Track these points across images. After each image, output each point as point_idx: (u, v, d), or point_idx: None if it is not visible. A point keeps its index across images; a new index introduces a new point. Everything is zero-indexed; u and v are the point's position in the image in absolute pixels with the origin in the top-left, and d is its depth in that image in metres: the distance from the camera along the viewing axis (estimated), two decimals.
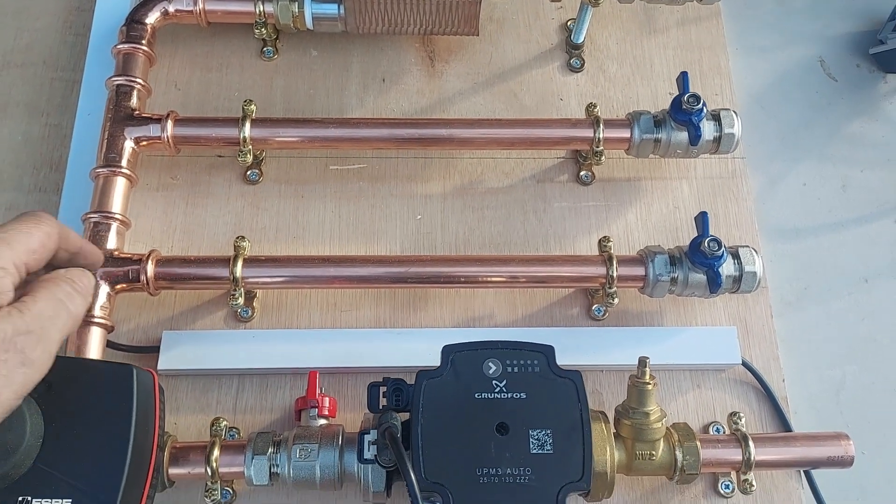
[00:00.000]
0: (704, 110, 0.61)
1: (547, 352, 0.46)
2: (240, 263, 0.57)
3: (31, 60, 0.68)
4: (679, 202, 0.67)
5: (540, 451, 0.43)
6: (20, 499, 0.39)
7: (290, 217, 0.64)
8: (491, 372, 0.45)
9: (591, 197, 0.66)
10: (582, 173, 0.67)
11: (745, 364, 0.61)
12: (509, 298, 0.63)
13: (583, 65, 0.71)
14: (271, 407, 0.58)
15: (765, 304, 0.63)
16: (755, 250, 0.58)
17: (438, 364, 0.47)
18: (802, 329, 0.65)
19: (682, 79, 0.62)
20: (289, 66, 0.69)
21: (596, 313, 0.62)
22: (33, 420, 0.40)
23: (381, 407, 0.47)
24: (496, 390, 0.45)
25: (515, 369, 0.45)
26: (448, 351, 0.46)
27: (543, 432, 0.44)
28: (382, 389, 0.47)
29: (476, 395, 0.44)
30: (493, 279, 0.59)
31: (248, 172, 0.65)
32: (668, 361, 0.60)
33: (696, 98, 0.60)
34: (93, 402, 0.41)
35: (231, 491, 0.54)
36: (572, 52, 0.71)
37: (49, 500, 0.39)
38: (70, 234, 0.42)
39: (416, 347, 0.59)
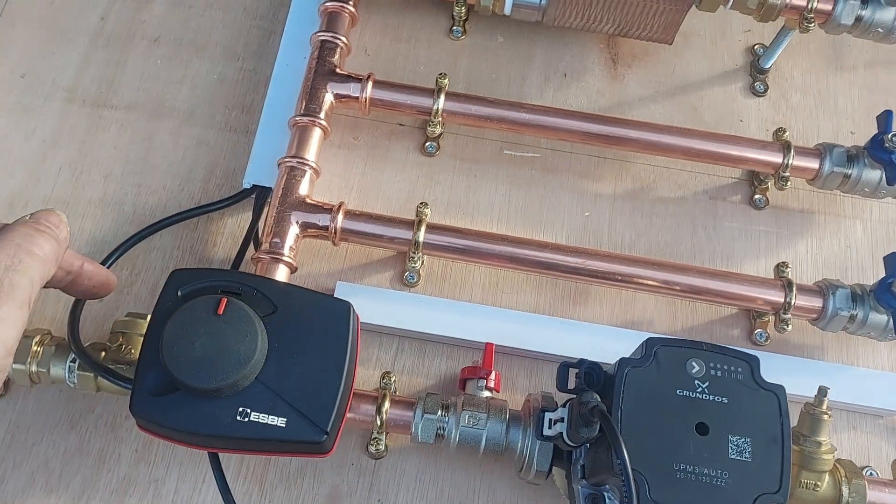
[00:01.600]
0: None
1: (752, 361, 0.46)
2: (423, 228, 0.58)
3: (233, 6, 0.70)
4: (851, 242, 0.65)
5: (738, 458, 0.43)
6: (241, 409, 0.40)
7: (461, 193, 0.65)
8: (694, 371, 0.45)
9: (762, 222, 0.66)
10: (756, 197, 0.66)
11: None
12: (670, 308, 0.62)
13: (766, 90, 0.70)
14: (427, 372, 0.59)
15: None
16: None
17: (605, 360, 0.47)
18: None
19: (887, 117, 0.61)
20: (474, 48, 0.70)
21: (758, 338, 0.61)
22: (262, 336, 0.41)
23: (569, 387, 0.47)
24: (698, 390, 0.44)
25: (719, 373, 0.45)
26: (652, 343, 0.46)
27: (743, 440, 0.43)
28: (573, 371, 0.47)
29: (678, 392, 0.44)
30: (663, 284, 0.58)
31: (427, 144, 0.66)
32: (828, 398, 0.59)
33: None
34: (313, 330, 0.42)
35: (386, 446, 0.55)
36: (757, 76, 0.70)
37: (266, 416, 0.40)
38: (70, 254, 0.42)
39: (575, 339, 0.59)
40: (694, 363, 0.45)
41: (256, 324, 0.41)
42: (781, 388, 0.45)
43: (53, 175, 0.63)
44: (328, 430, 0.40)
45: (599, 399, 0.43)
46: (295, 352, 0.42)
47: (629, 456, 0.41)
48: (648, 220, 0.65)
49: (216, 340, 0.39)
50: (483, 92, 0.69)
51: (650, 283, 0.59)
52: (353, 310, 0.45)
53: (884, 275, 0.58)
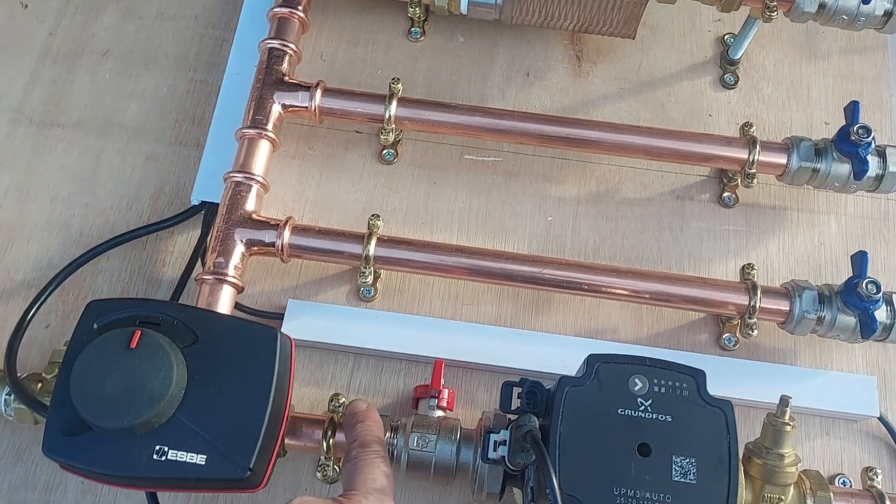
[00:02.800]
0: (873, 144, 0.57)
1: (698, 376, 0.44)
2: (373, 242, 0.56)
3: (184, 14, 0.69)
4: (825, 238, 0.63)
5: (682, 480, 0.41)
6: (157, 448, 0.39)
7: (420, 202, 0.63)
8: (637, 389, 0.43)
9: (731, 220, 0.63)
10: (725, 195, 0.64)
11: (881, 418, 0.57)
12: (635, 314, 0.60)
13: (737, 82, 0.68)
14: (385, 390, 0.57)
15: None
16: None
17: (567, 372, 0.45)
18: None
19: (853, 109, 0.58)
20: (434, 49, 0.68)
21: (726, 343, 0.59)
22: (179, 370, 0.40)
23: (512, 408, 0.46)
24: (640, 409, 0.43)
25: (663, 390, 0.43)
26: (594, 360, 0.44)
27: (687, 460, 0.41)
28: (517, 390, 0.45)
29: (619, 411, 0.42)
30: (628, 291, 0.57)
31: (384, 152, 0.64)
32: (798, 404, 0.57)
33: (867, 130, 0.57)
34: (236, 360, 0.41)
35: (338, 469, 0.54)
36: (727, 68, 0.68)
37: (185, 454, 0.39)
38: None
39: (536, 351, 0.58)
40: (637, 380, 0.43)
41: (173, 356, 0.39)
42: (728, 403, 0.43)
43: None
44: (251, 466, 0.39)
45: (538, 421, 0.42)
46: (217, 384, 0.40)
47: (567, 479, 0.40)
48: (613, 224, 0.63)
49: (128, 376, 0.38)
50: (443, 94, 0.67)
51: (613, 290, 0.57)
52: (283, 336, 0.43)
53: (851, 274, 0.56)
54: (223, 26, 0.68)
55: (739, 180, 0.62)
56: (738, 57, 0.67)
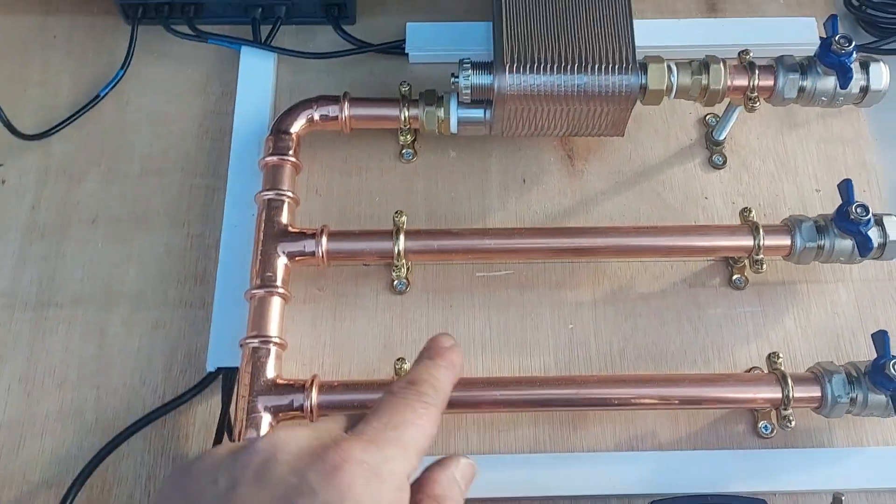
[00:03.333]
0: (872, 222, 0.59)
1: None
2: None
3: (169, 167, 0.67)
4: (838, 308, 0.64)
5: None
6: None
7: (439, 329, 0.63)
8: None
9: (745, 302, 0.64)
10: (735, 277, 0.65)
11: None
12: (671, 415, 0.60)
13: (725, 161, 0.69)
14: None
15: None
16: None
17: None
18: None
19: (846, 187, 0.60)
20: (428, 168, 0.68)
21: (763, 431, 0.59)
22: None
23: None
24: None
25: None
26: None
27: None
28: None
29: None
30: (664, 400, 0.57)
31: (395, 282, 0.63)
32: (845, 486, 0.57)
33: (865, 209, 0.58)
34: None
35: None
36: (714, 149, 0.69)
37: None
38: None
39: (577, 473, 0.57)
40: None
41: None
42: None
43: (2, 394, 0.59)
44: None
45: None
46: None
47: None
48: (633, 322, 0.63)
49: None
50: (445, 212, 0.67)
51: (647, 401, 0.57)
52: None
53: (874, 352, 0.57)
54: (212, 174, 0.67)
55: (748, 264, 0.63)
56: (722, 138, 0.69)
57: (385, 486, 0.35)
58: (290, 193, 0.61)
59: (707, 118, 0.70)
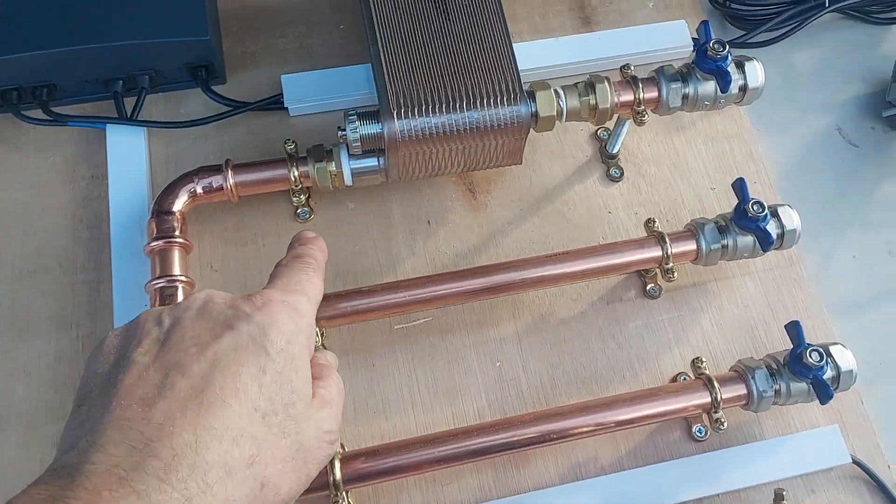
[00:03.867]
0: (769, 216, 0.61)
1: None
2: (337, 467, 0.53)
3: (46, 266, 0.62)
4: (748, 300, 0.66)
5: None
6: None
7: (365, 391, 0.60)
8: None
9: (662, 310, 0.65)
10: (649, 287, 0.65)
11: (854, 461, 0.60)
12: (609, 436, 0.60)
13: (622, 173, 0.70)
14: None
15: (854, 392, 0.63)
16: (844, 346, 0.58)
17: None
18: (890, 406, 0.65)
19: (741, 186, 0.62)
20: (328, 223, 0.66)
21: (698, 434, 0.60)
22: None
23: None
24: None
25: None
26: None
27: None
28: None
29: None
30: (601, 426, 0.57)
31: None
32: (782, 475, 0.59)
33: (761, 205, 0.60)
34: None
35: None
36: (609, 162, 0.70)
37: None
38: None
39: None
40: None
41: None
42: None
43: None
44: None
45: None
46: None
47: None
48: (559, 349, 0.63)
49: None
50: (352, 266, 0.64)
51: (584, 430, 0.56)
52: None
53: (789, 341, 0.58)
54: (94, 267, 0.62)
55: (660, 273, 0.64)
56: (616, 151, 0.69)
57: (302, 320, 0.44)
58: (182, 278, 0.57)
59: (599, 132, 0.71)
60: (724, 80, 0.60)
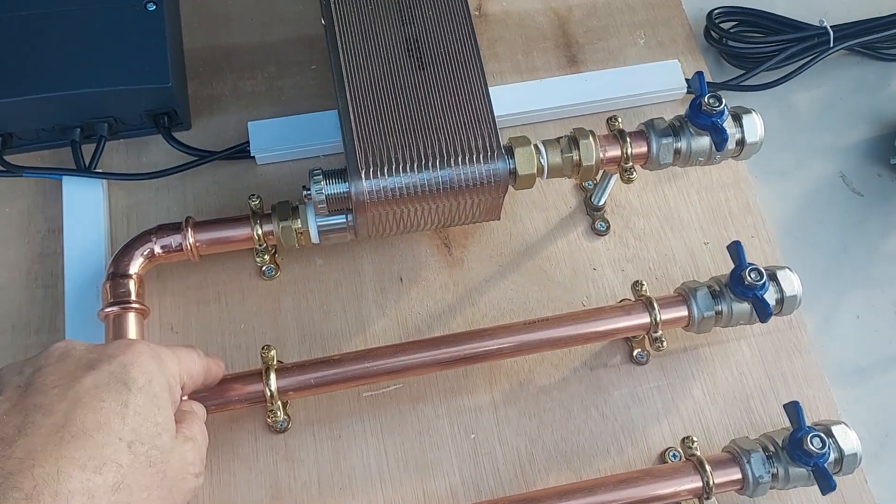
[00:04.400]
0: (768, 284, 0.56)
1: None
2: None
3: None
4: (743, 367, 0.62)
5: None
6: None
7: (330, 464, 0.57)
8: None
9: (650, 377, 0.61)
10: (636, 352, 0.61)
11: None
12: None
13: (608, 226, 0.66)
14: None
15: (857, 472, 0.58)
16: (847, 426, 0.54)
17: None
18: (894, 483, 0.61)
19: (737, 249, 0.57)
20: (295, 281, 0.62)
21: None
22: None
23: None
24: None
25: None
26: None
27: None
28: None
29: None
30: None
31: (275, 422, 0.57)
32: None
33: (759, 273, 0.56)
34: None
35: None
36: (594, 215, 0.66)
37: None
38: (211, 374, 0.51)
39: None
40: None
41: None
42: None
43: None
44: None
45: None
46: None
47: None
48: (538, 420, 0.59)
49: None
50: (319, 327, 0.61)
51: None
52: None
53: (786, 415, 0.54)
54: (48, 329, 0.59)
55: (648, 342, 0.60)
56: (601, 203, 0.65)
57: (164, 366, 0.45)
58: None
59: (584, 182, 0.67)
60: (719, 137, 0.56)
